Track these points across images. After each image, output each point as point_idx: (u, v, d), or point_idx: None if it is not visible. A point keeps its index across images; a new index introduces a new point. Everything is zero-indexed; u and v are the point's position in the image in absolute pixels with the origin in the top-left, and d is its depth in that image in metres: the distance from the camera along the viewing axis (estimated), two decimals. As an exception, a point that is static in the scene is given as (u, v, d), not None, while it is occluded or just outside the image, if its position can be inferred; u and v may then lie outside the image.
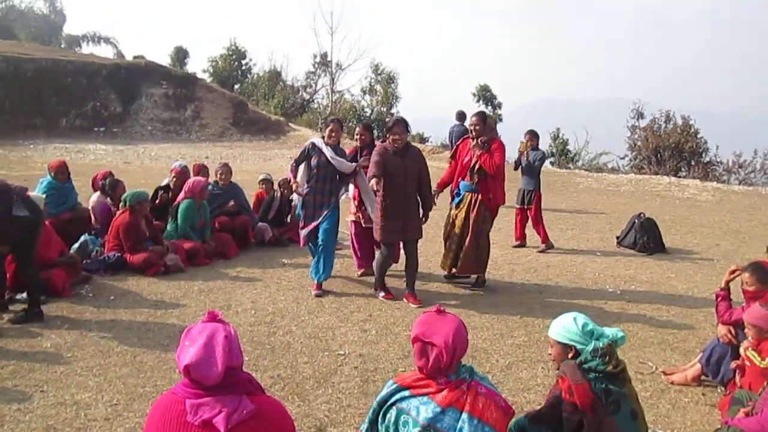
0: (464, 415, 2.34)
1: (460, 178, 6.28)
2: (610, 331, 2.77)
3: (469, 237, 6.11)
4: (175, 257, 6.62)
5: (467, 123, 7.97)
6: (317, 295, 5.94)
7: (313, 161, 6.02)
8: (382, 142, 5.90)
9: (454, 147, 6.65)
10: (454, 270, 6.34)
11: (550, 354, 2.96)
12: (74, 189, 7.45)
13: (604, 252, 8.29)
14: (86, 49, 32.38)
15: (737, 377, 3.78)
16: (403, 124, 5.76)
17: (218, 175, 7.93)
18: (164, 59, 30.10)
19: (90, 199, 7.60)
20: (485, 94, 27.37)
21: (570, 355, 2.78)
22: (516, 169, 8.64)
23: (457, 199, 6.28)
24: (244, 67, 32.06)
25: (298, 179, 6.12)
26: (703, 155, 20.32)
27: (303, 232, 6.14)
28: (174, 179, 7.80)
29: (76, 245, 6.50)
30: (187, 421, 2.00)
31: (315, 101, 31.78)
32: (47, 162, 8.59)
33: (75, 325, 5.03)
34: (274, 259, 7.30)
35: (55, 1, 35.59)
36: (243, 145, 21.74)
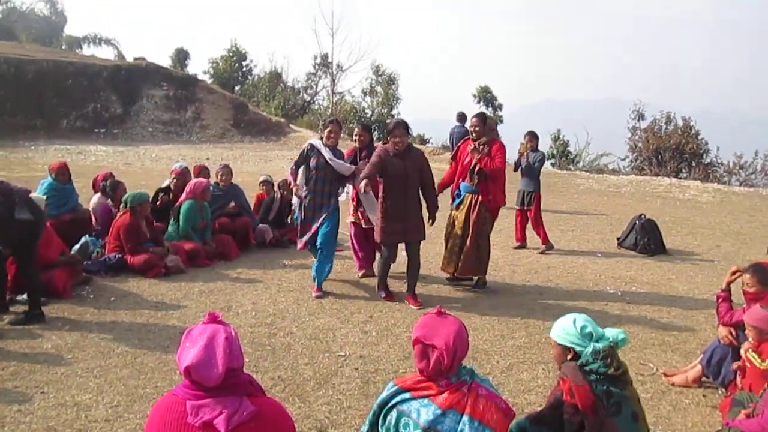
0: (465, 418, 2.34)
1: (460, 180, 6.28)
2: (611, 333, 2.75)
3: (469, 238, 6.10)
4: (176, 258, 6.62)
5: (468, 124, 7.97)
6: (318, 297, 5.94)
7: (312, 162, 6.01)
8: (384, 144, 5.88)
9: (455, 148, 6.65)
10: (455, 272, 6.32)
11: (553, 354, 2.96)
12: (75, 190, 7.44)
13: (604, 253, 8.29)
14: (87, 50, 32.45)
15: (738, 379, 3.77)
16: (403, 126, 5.73)
17: (219, 177, 7.94)
18: (165, 60, 30.18)
19: (91, 200, 7.61)
20: (486, 95, 27.41)
21: (569, 357, 2.78)
22: (516, 170, 8.64)
23: (457, 201, 6.28)
24: (244, 69, 32.11)
25: (298, 182, 6.11)
26: (704, 156, 20.33)
27: (303, 238, 6.10)
28: (174, 180, 7.81)
29: (76, 246, 6.50)
30: (187, 422, 2.00)
31: (316, 102, 31.84)
32: (48, 163, 8.60)
33: (76, 327, 5.03)
34: (275, 260, 7.30)
35: (56, 2, 35.65)
36: (243, 147, 21.76)
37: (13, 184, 5.15)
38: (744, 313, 3.88)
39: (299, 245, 6.23)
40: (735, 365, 3.85)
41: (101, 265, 6.40)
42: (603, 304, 6.09)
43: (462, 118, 12.81)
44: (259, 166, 16.53)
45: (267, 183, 8.56)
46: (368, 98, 30.22)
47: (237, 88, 30.99)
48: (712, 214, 11.82)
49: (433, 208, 5.89)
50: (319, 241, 5.99)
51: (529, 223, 8.42)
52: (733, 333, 4.09)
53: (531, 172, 8.45)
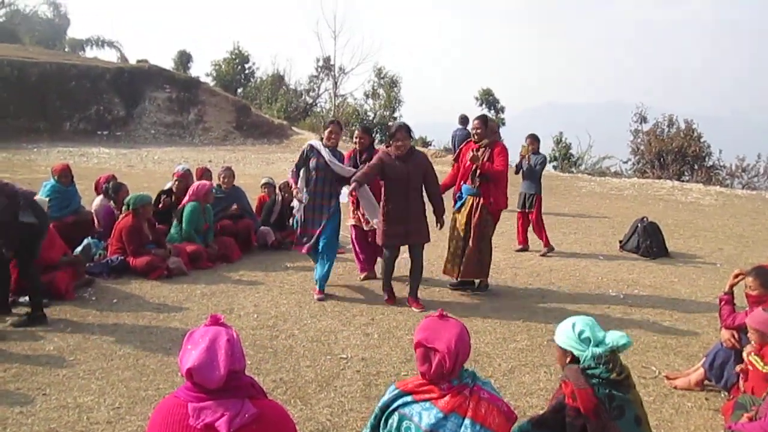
0: (467, 421, 2.34)
1: (462, 182, 6.27)
2: (611, 338, 2.73)
3: (471, 241, 6.09)
4: (178, 260, 6.63)
5: (470, 127, 7.97)
6: (319, 299, 5.93)
7: (312, 163, 5.96)
8: (386, 147, 5.84)
9: (457, 150, 6.65)
10: (458, 275, 6.31)
11: None
12: (77, 192, 7.46)
13: (606, 256, 8.28)
14: (90, 52, 32.55)
15: (740, 382, 3.77)
16: (405, 129, 5.69)
17: (221, 179, 7.94)
18: (168, 63, 30.26)
19: (93, 202, 7.63)
20: (488, 98, 27.43)
21: (568, 360, 2.78)
22: (517, 173, 8.64)
23: (459, 203, 6.27)
24: (247, 71, 32.18)
25: (299, 185, 6.06)
26: (707, 159, 20.29)
27: (303, 240, 6.07)
28: (176, 183, 7.82)
29: (79, 248, 6.51)
30: (189, 424, 2.00)
31: (318, 105, 31.90)
32: (51, 165, 8.63)
33: (78, 329, 5.04)
34: (277, 262, 7.30)
35: (59, 5, 35.80)
36: (246, 149, 21.79)
37: (19, 186, 5.16)
38: (746, 316, 3.87)
39: (301, 249, 6.19)
40: (737, 368, 3.84)
41: (103, 267, 6.41)
42: (605, 307, 6.08)
43: (464, 120, 12.82)
44: (261, 168, 16.55)
45: (269, 185, 8.57)
46: (370, 101, 30.29)
47: (239, 90, 31.06)
48: (714, 217, 11.80)
49: (439, 212, 5.85)
50: (321, 243, 5.99)
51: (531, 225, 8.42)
52: (736, 336, 4.07)
53: (532, 175, 8.45)
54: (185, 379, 2.06)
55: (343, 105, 29.65)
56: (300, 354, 4.68)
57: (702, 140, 20.34)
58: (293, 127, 25.59)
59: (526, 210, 8.38)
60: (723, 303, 4.27)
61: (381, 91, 29.79)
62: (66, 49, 32.15)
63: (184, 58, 31.68)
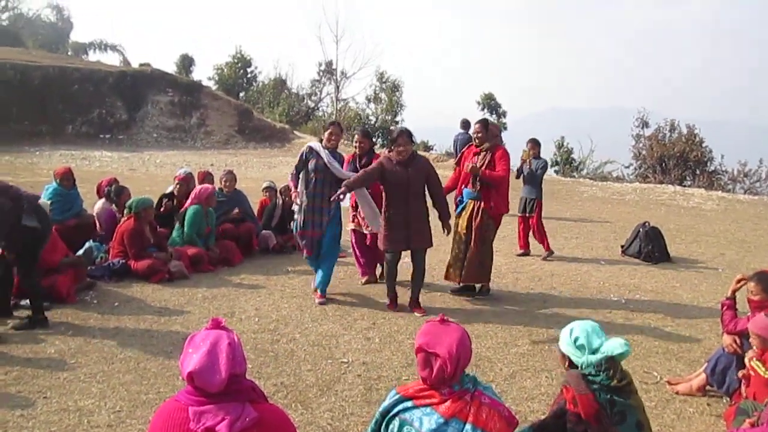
0: (468, 426, 2.33)
1: (463, 186, 6.27)
2: (608, 347, 2.71)
3: (472, 245, 6.09)
4: (179, 264, 6.63)
5: (471, 131, 7.98)
6: (321, 303, 5.93)
7: (311, 164, 5.91)
8: (388, 152, 5.82)
9: (459, 154, 6.64)
10: (459, 280, 6.30)
11: None
12: (79, 195, 7.48)
13: (608, 261, 8.27)
14: (93, 56, 32.72)
15: (742, 387, 3.75)
16: (407, 134, 5.66)
17: (223, 183, 7.96)
18: (170, 67, 30.36)
19: (95, 205, 7.64)
20: (490, 103, 27.46)
21: (566, 364, 2.79)
22: (518, 177, 8.65)
23: (460, 207, 6.27)
24: (249, 75, 32.27)
25: (299, 188, 6.01)
26: (708, 164, 20.29)
27: (303, 242, 6.05)
28: (178, 186, 7.83)
29: (80, 251, 6.52)
30: (190, 428, 2.00)
31: (320, 109, 31.94)
32: (53, 168, 8.65)
33: (79, 332, 5.04)
34: (278, 266, 7.30)
35: (62, 8, 35.95)
36: (248, 153, 21.83)
37: (23, 189, 5.15)
38: (749, 322, 3.86)
39: (303, 251, 6.19)
40: (739, 374, 3.83)
41: (105, 270, 6.41)
42: (607, 312, 6.07)
43: (466, 125, 12.84)
44: (263, 172, 16.58)
45: (270, 189, 8.57)
46: (372, 105, 30.32)
47: (241, 94, 31.13)
48: (716, 222, 11.79)
49: (444, 216, 5.81)
50: (322, 247, 5.98)
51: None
52: (738, 341, 4.07)
53: (533, 180, 8.45)
54: (186, 383, 2.06)
55: (345, 109, 29.69)
56: (301, 358, 4.67)
57: (704, 145, 20.35)
58: (295, 131, 25.63)
59: (527, 214, 8.38)
60: (725, 308, 4.26)
61: (383, 95, 29.84)
62: (69, 53, 32.27)
63: (186, 62, 31.79)
